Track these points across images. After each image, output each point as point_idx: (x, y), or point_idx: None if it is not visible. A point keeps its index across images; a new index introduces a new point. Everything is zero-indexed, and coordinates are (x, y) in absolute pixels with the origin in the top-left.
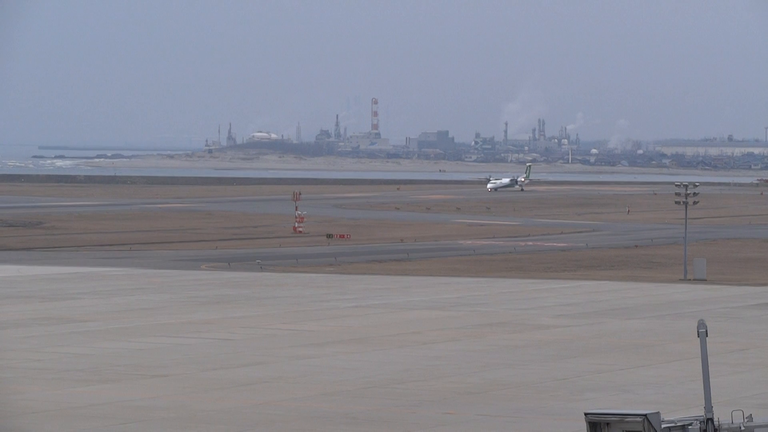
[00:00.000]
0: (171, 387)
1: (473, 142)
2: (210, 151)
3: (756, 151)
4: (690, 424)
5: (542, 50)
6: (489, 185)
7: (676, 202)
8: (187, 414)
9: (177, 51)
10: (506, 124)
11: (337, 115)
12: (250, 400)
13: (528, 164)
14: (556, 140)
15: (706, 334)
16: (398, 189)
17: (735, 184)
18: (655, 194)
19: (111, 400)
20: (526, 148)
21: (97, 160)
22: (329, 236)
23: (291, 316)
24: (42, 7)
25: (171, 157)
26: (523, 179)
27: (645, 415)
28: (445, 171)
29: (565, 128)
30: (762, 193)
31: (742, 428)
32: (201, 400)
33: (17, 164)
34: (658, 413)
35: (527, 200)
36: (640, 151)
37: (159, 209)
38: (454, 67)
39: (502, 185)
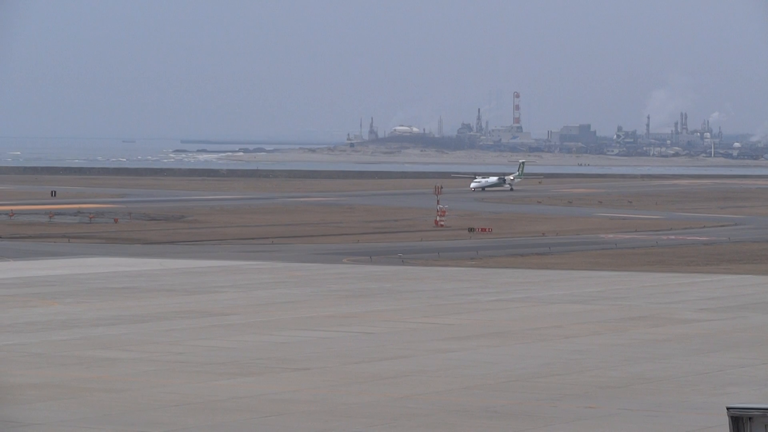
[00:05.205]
0: (313, 380)
1: (615, 136)
2: (352, 145)
3: None
4: None
5: (686, 43)
6: (472, 184)
7: None
8: (328, 408)
9: (320, 45)
10: (648, 117)
11: (478, 109)
12: (392, 393)
13: (521, 161)
14: (698, 134)
15: None
16: (540, 183)
17: None
18: None
19: (252, 393)
20: (668, 141)
21: (239, 153)
22: (471, 230)
23: (432, 310)
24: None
25: (313, 150)
26: (512, 178)
27: None
28: (587, 165)
29: (708, 121)
30: None
31: None
32: (343, 393)
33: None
34: None
35: (670, 194)
36: None
37: (301, 203)
38: (597, 60)
39: (488, 184)
